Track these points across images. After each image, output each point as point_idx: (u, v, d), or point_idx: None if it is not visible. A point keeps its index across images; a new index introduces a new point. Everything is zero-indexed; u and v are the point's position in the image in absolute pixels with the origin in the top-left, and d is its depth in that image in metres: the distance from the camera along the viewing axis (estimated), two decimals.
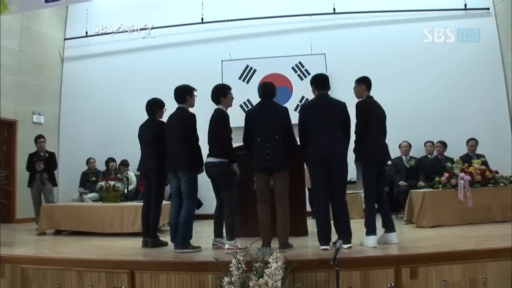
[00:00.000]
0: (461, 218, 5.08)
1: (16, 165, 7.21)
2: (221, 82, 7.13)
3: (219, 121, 4.00)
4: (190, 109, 4.18)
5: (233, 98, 4.22)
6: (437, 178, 5.50)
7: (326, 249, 3.61)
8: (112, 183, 5.95)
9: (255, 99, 7.50)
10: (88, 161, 7.50)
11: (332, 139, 3.78)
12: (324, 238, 3.69)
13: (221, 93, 4.11)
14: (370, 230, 3.80)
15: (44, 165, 6.31)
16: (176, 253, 3.85)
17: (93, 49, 8.36)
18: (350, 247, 3.64)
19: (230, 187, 3.97)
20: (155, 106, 4.51)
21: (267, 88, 4.08)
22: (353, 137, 4.00)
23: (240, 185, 4.13)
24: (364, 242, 3.81)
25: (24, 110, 7.59)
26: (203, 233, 4.62)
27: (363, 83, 4.09)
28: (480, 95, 7.26)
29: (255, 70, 7.77)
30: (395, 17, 7.60)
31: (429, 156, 6.81)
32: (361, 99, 4.08)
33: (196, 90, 4.24)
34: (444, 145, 6.65)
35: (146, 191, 4.58)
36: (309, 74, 7.29)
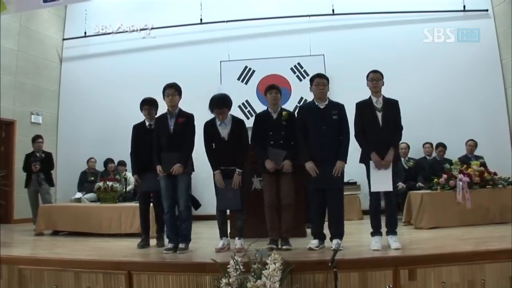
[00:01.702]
0: (460, 219, 5.06)
1: (14, 166, 7.18)
2: (220, 83, 7.16)
3: None
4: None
5: None
6: (435, 180, 5.49)
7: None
8: (110, 183, 5.93)
9: (254, 100, 7.67)
10: (88, 161, 7.47)
11: None
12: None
13: None
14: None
15: (40, 165, 6.27)
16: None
17: (92, 49, 8.34)
18: None
19: None
20: None
21: None
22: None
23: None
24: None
25: (22, 110, 7.56)
26: (201, 234, 4.60)
27: None
28: (479, 97, 7.25)
29: (253, 71, 7.76)
30: (393, 19, 7.59)
31: (428, 158, 6.82)
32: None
33: None
34: (445, 147, 6.66)
35: None
36: (307, 75, 7.27)
